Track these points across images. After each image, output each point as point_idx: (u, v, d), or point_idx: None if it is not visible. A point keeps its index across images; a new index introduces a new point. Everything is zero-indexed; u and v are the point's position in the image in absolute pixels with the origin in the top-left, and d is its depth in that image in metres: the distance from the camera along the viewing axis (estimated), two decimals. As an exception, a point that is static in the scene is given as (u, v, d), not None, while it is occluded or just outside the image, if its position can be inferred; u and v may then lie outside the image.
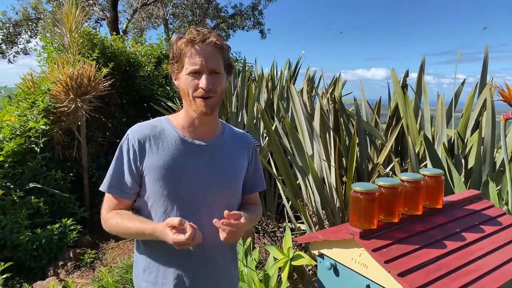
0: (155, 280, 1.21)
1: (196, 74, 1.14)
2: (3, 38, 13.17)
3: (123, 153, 1.21)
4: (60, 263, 3.70)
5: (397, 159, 2.40)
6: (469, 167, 2.28)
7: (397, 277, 0.85)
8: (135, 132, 1.22)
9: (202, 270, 1.21)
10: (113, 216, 1.20)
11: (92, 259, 3.73)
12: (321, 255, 1.09)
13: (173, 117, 1.29)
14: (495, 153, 2.26)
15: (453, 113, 2.69)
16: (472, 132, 2.46)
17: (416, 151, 2.51)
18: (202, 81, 1.14)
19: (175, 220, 1.06)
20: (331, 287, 1.08)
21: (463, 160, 2.20)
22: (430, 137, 2.50)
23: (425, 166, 2.44)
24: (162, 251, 1.19)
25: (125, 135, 1.23)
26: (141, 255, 1.25)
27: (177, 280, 1.19)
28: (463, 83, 2.83)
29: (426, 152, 2.13)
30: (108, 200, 1.24)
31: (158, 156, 1.19)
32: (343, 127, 2.91)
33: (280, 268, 2.17)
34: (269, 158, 3.91)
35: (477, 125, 2.48)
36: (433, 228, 1.05)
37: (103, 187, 1.23)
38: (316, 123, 2.89)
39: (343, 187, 2.67)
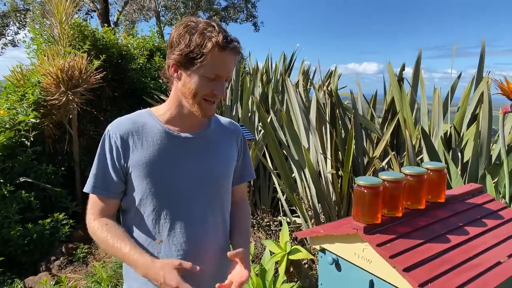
0: (145, 279, 1.13)
1: (213, 79, 1.08)
2: (-9, 29, 12.91)
3: (105, 151, 1.14)
4: (52, 258, 3.65)
5: (393, 153, 2.40)
6: (465, 160, 2.28)
7: (402, 272, 0.84)
8: (116, 128, 1.14)
9: (196, 265, 1.18)
10: (102, 228, 1.12)
11: (85, 254, 3.69)
12: (323, 250, 1.08)
13: (156, 110, 1.21)
14: (491, 146, 2.26)
15: (449, 107, 2.69)
16: (469, 125, 2.47)
17: (413, 144, 2.51)
18: (220, 89, 1.09)
19: (186, 264, 1.03)
20: (332, 282, 1.07)
21: (459, 154, 2.21)
22: (427, 130, 2.50)
23: (421, 159, 2.44)
24: (152, 252, 1.14)
25: (105, 131, 1.15)
26: None
27: None
28: (459, 77, 2.83)
29: (423, 146, 2.12)
30: (94, 203, 1.16)
31: (143, 152, 1.12)
32: (339, 120, 2.90)
33: (276, 262, 2.16)
34: (264, 151, 3.89)
35: (473, 119, 2.48)
36: (436, 222, 1.04)
37: (87, 189, 1.15)
38: (313, 116, 2.87)
39: (339, 180, 2.66)
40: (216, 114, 1.34)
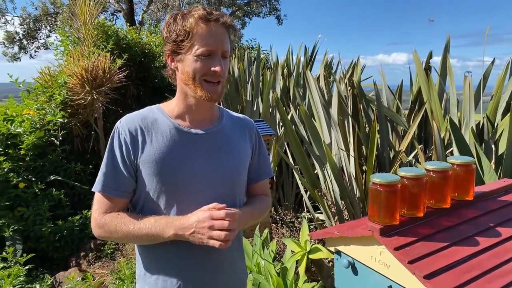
0: (155, 283, 1.12)
1: (207, 56, 1.05)
2: (24, 33, 13.47)
3: (114, 148, 1.10)
4: (82, 254, 3.76)
5: (420, 146, 2.27)
6: (499, 153, 2.12)
7: (423, 280, 0.76)
8: (125, 124, 1.10)
9: (206, 268, 1.13)
10: (115, 217, 1.08)
11: (112, 250, 3.77)
12: (338, 252, 1.01)
13: (165, 105, 1.17)
14: (529, 137, 2.09)
15: (481, 96, 2.52)
16: (503, 115, 2.30)
17: (441, 137, 2.37)
18: (216, 64, 1.05)
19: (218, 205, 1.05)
20: (349, 286, 1.00)
21: (493, 146, 2.05)
22: (456, 122, 2.34)
23: (451, 153, 2.29)
24: (161, 251, 1.11)
25: (114, 128, 1.12)
26: (140, 257, 1.17)
27: (179, 281, 1.11)
28: (492, 63, 2.64)
29: (452, 138, 1.99)
30: (102, 203, 1.10)
31: (152, 148, 1.08)
32: (363, 113, 2.78)
33: (298, 260, 2.10)
34: (285, 148, 3.82)
35: (508, 108, 2.31)
36: (463, 222, 0.95)
37: (96, 188, 1.10)
38: (334, 110, 2.76)
39: (363, 176, 2.55)
40: (229, 110, 1.30)
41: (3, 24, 13.34)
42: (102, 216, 1.10)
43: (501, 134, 2.18)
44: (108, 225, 1.08)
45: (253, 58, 4.84)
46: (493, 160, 2.02)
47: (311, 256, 1.94)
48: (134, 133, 1.09)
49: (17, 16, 13.34)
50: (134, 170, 1.10)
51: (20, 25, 13.42)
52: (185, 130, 1.13)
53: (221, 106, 1.29)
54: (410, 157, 2.53)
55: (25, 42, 13.75)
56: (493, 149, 2.04)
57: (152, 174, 1.08)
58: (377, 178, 0.86)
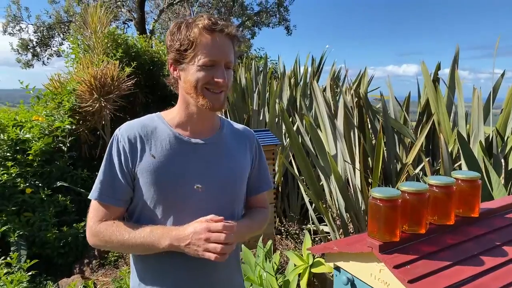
0: None
1: (210, 66, 1.04)
2: (37, 41, 13.76)
3: (112, 155, 1.08)
4: (86, 261, 3.75)
5: (427, 159, 2.22)
6: (509, 167, 2.07)
7: (423, 301, 0.73)
8: (125, 131, 1.09)
9: (202, 281, 1.10)
10: (110, 225, 1.06)
11: (116, 258, 3.75)
12: (337, 268, 0.98)
13: (166, 114, 1.18)
14: (540, 152, 2.03)
15: (491, 109, 2.47)
16: (513, 129, 2.24)
17: (449, 150, 2.32)
18: (219, 75, 1.04)
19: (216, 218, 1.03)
20: (348, 304, 0.96)
21: (503, 160, 2.00)
22: (464, 134, 2.30)
23: (459, 166, 2.24)
24: (156, 262, 1.09)
25: (114, 135, 1.10)
26: (135, 267, 1.15)
27: None
28: (502, 75, 2.59)
29: (460, 152, 1.94)
30: (98, 211, 1.08)
31: (151, 157, 1.08)
32: (369, 124, 2.75)
33: (300, 274, 2.06)
34: (291, 159, 3.79)
35: (519, 122, 2.25)
36: (467, 240, 0.91)
37: (93, 195, 1.08)
38: (340, 121, 2.74)
39: (369, 189, 2.51)
40: (230, 121, 1.29)
41: (18, 32, 13.67)
42: (97, 224, 1.08)
43: (511, 148, 2.12)
44: (102, 234, 1.06)
45: (260, 68, 4.84)
46: (503, 175, 1.96)
47: (314, 270, 1.90)
48: (133, 141, 1.08)
49: (32, 24, 13.66)
50: (132, 178, 1.09)
51: (34, 32, 13.73)
52: (185, 139, 1.12)
53: (223, 117, 1.28)
54: (417, 170, 2.49)
55: (38, 50, 14.04)
56: (503, 163, 1.99)
57: (149, 183, 1.06)
58: (377, 193, 0.84)
